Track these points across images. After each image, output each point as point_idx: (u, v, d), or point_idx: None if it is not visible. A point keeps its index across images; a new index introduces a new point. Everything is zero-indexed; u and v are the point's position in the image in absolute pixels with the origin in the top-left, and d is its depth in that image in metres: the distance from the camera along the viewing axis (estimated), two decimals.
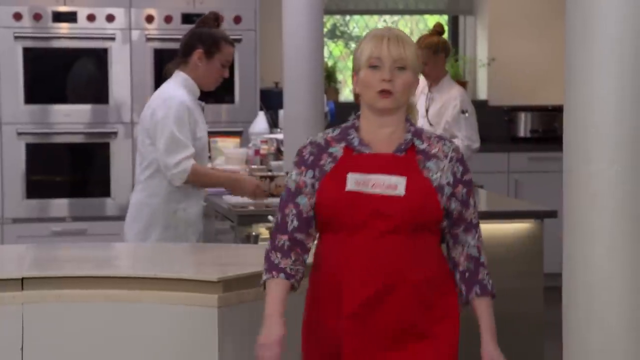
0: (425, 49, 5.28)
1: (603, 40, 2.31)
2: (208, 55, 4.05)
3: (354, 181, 2.55)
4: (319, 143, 2.64)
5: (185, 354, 2.92)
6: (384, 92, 2.55)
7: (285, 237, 2.61)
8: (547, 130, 7.13)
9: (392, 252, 2.53)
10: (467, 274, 2.62)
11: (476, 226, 2.65)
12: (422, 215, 2.55)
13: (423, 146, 2.61)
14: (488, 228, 4.26)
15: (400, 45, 2.57)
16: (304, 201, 2.61)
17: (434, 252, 2.61)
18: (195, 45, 4.05)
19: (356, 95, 2.66)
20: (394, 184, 2.54)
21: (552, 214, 4.24)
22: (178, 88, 4.04)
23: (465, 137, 5.28)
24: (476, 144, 5.31)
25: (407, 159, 2.58)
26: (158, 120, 3.97)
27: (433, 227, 2.60)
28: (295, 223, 2.61)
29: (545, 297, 4.20)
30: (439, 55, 5.32)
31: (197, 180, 4.01)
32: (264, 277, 2.61)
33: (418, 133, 2.63)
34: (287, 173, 4.55)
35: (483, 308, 2.62)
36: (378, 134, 2.60)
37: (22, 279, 2.95)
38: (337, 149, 2.61)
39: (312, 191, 2.60)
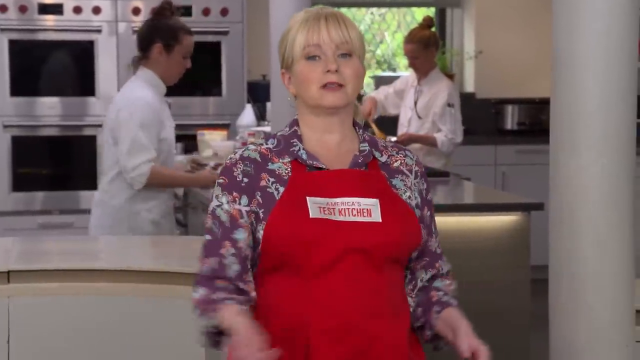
0: (417, 43, 5.30)
1: (589, 34, 2.31)
2: (167, 49, 3.93)
3: (316, 207, 1.99)
4: (253, 158, 2.05)
5: (171, 347, 2.92)
6: (331, 85, 2.02)
7: (227, 283, 2.02)
8: (534, 123, 7.14)
9: (370, 295, 2.00)
10: (419, 309, 2.10)
11: (439, 257, 2.14)
12: (404, 247, 2.04)
13: (383, 159, 2.09)
14: (475, 220, 4.28)
15: (341, 26, 2.04)
16: (242, 236, 2.02)
17: (403, 290, 2.11)
18: (154, 39, 3.93)
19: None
20: (367, 208, 2.00)
21: (539, 207, 4.24)
22: (145, 87, 3.94)
23: (449, 131, 5.30)
24: (459, 139, 5.34)
25: (374, 175, 2.06)
26: (122, 121, 3.88)
27: (406, 259, 2.10)
28: (236, 267, 2.02)
29: (532, 290, 4.21)
30: (430, 49, 5.35)
31: (157, 183, 3.93)
32: (206, 322, 1.99)
33: (373, 142, 2.11)
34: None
35: (451, 313, 2.05)
36: (324, 142, 2.07)
37: (9, 272, 2.94)
38: (281, 165, 2.04)
39: (248, 222, 2.02)
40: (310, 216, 1.98)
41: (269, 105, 5.51)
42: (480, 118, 7.12)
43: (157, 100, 3.94)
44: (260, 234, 2.01)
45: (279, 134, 2.10)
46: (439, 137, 5.30)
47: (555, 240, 2.40)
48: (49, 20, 6.23)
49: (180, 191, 4.93)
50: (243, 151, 2.07)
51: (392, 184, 2.07)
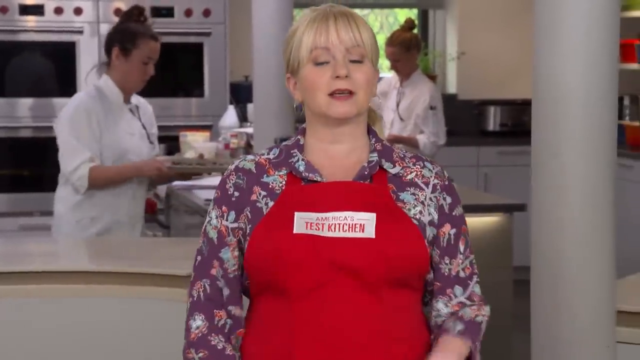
0: (399, 46, 5.31)
1: (570, 35, 2.32)
2: (125, 53, 3.80)
3: (303, 222, 1.81)
4: (248, 169, 1.89)
5: (155, 349, 2.91)
6: (341, 94, 1.83)
7: (224, 315, 1.87)
8: (516, 124, 7.16)
9: (361, 322, 1.80)
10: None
11: (464, 281, 1.89)
12: (403, 268, 1.82)
13: (394, 170, 1.89)
14: None
15: (352, 27, 1.85)
16: (228, 255, 1.87)
17: (417, 317, 1.89)
18: (113, 42, 3.84)
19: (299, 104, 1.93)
20: (360, 223, 1.80)
21: (521, 208, 4.26)
22: (89, 91, 3.83)
23: (432, 134, 5.32)
24: (442, 141, 5.35)
25: (376, 188, 1.86)
26: (56, 130, 3.80)
27: (416, 282, 1.87)
28: (227, 292, 1.87)
29: (515, 290, 4.22)
30: (412, 52, 5.36)
31: (101, 181, 3.77)
32: None
33: (386, 152, 1.90)
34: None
35: (440, 341, 1.85)
36: (331, 153, 1.89)
37: None
38: (276, 178, 1.88)
39: (234, 240, 1.87)
40: (294, 232, 1.80)
41: (251, 106, 5.50)
42: (463, 119, 7.14)
43: (98, 102, 3.79)
44: (241, 252, 1.86)
45: (283, 143, 1.92)
46: (421, 139, 5.31)
47: (537, 241, 2.40)
48: (30, 21, 6.20)
49: (162, 193, 4.92)
50: (240, 162, 1.91)
51: (399, 198, 1.85)
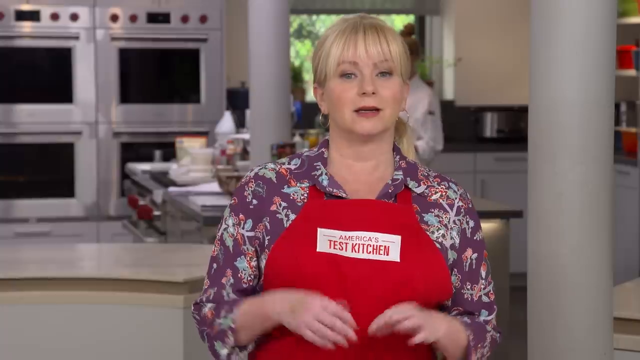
0: None
1: (567, 41, 2.32)
2: None
3: (326, 240, 1.77)
4: (268, 178, 1.83)
5: (150, 356, 2.90)
6: (367, 111, 1.80)
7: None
8: (513, 130, 7.16)
9: (386, 351, 1.77)
10: None
11: (490, 306, 1.90)
12: (426, 294, 1.78)
13: (419, 189, 1.85)
14: None
15: (381, 40, 1.81)
16: (244, 265, 1.82)
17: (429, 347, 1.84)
18: None
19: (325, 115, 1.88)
20: (385, 245, 1.77)
21: (518, 214, 4.25)
22: None
23: (430, 139, 5.32)
24: (440, 146, 5.36)
25: (402, 209, 1.81)
26: None
27: (434, 308, 1.84)
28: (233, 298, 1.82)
29: (511, 297, 4.21)
30: (411, 57, 5.35)
31: None
32: (226, 348, 1.84)
33: (411, 170, 1.86)
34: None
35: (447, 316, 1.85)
36: (354, 169, 1.84)
37: None
38: (298, 190, 1.82)
39: (252, 249, 1.82)
40: (317, 250, 1.76)
41: (248, 112, 5.49)
42: (460, 125, 7.14)
43: None
44: (263, 264, 1.80)
45: (305, 153, 1.88)
46: (420, 144, 5.32)
47: (534, 248, 2.40)
48: (26, 27, 6.20)
49: (158, 199, 4.91)
50: (259, 169, 1.86)
51: (423, 219, 1.82)
